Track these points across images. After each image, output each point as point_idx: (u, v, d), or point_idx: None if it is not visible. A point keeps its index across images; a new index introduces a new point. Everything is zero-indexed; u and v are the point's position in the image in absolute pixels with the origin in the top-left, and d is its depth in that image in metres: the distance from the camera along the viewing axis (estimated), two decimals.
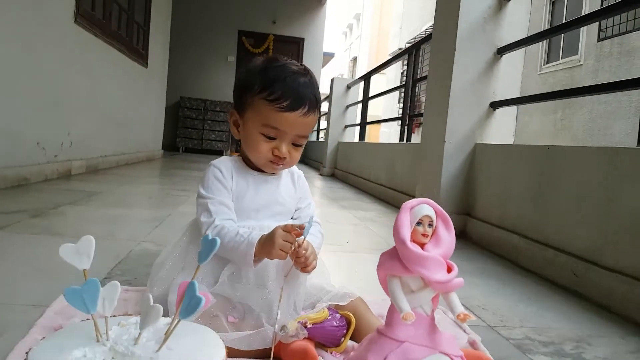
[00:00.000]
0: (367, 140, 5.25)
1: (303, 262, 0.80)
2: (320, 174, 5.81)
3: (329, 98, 6.09)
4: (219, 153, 8.79)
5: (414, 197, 2.56)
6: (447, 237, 0.57)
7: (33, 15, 2.68)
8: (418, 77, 3.63)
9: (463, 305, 1.15)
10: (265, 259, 0.83)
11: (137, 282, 1.16)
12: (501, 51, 2.18)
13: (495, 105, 2.20)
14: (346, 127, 5.79)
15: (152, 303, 0.53)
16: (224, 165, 0.93)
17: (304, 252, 0.79)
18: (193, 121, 8.70)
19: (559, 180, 1.61)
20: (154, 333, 0.56)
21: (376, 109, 9.63)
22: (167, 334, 0.53)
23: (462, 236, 2.18)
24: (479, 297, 1.29)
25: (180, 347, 0.54)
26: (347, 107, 5.80)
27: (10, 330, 0.82)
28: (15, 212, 1.86)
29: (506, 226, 1.88)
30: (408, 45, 11.54)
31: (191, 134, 8.70)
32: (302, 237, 0.79)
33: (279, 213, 0.94)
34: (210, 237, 0.55)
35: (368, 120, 5.12)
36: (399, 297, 0.53)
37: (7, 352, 0.73)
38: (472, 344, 0.91)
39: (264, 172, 0.95)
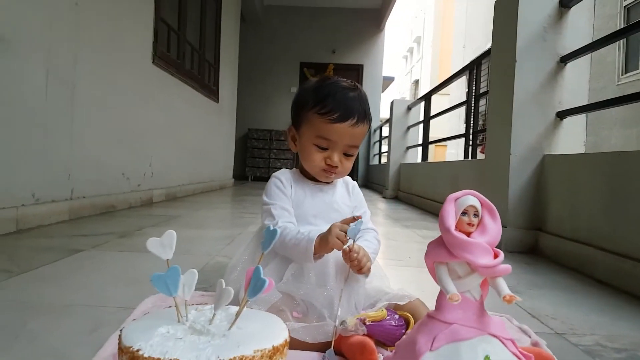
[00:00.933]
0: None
1: (357, 265, 0.87)
2: (383, 197, 5.80)
3: (389, 121, 6.12)
4: None
5: None
6: (493, 226, 0.59)
7: (117, 59, 2.99)
8: (480, 92, 3.58)
9: (530, 314, 1.15)
10: (325, 258, 0.89)
11: (212, 289, 1.26)
12: (565, 59, 2.13)
13: (561, 114, 2.14)
14: (408, 148, 5.77)
15: (224, 287, 0.60)
16: (284, 176, 1.02)
17: (355, 255, 0.86)
18: (260, 151, 9.06)
19: (634, 187, 1.54)
20: (226, 316, 0.63)
21: (442, 131, 9.49)
22: (237, 314, 0.60)
23: (534, 252, 2.11)
24: (547, 307, 1.25)
25: (248, 328, 0.60)
26: (408, 128, 5.79)
27: (104, 327, 0.93)
28: (105, 234, 2.06)
29: (579, 239, 1.81)
30: None
31: (259, 163, 9.05)
32: (351, 240, 0.84)
33: (335, 219, 1.00)
34: (272, 228, 0.62)
35: (432, 140, 5.09)
36: (445, 280, 0.56)
37: (101, 344, 0.83)
38: (535, 344, 0.90)
39: (320, 181, 1.02)
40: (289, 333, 0.63)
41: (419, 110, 5.71)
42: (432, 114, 4.92)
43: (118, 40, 2.98)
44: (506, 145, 2.20)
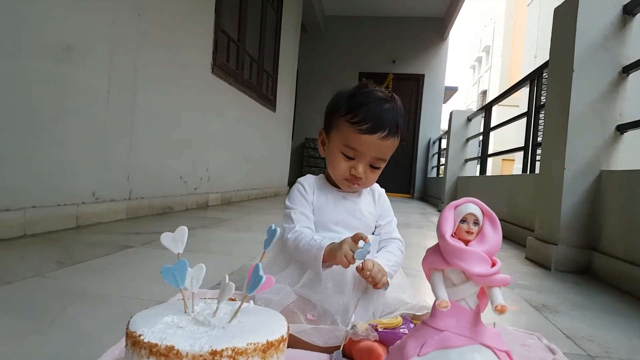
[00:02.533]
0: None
1: (372, 281, 0.87)
2: (439, 210, 5.68)
3: (447, 132, 6.00)
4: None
5: (533, 231, 2.41)
6: (493, 235, 0.58)
7: (177, 67, 3.15)
8: (541, 103, 3.44)
9: (564, 334, 1.09)
10: (342, 268, 0.89)
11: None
12: (627, 70, 2.01)
13: (622, 128, 2.01)
14: (466, 161, 5.62)
15: (227, 281, 0.63)
16: (307, 182, 1.04)
17: (368, 272, 0.86)
18: (316, 160, 9.17)
19: None
20: (231, 310, 0.66)
21: (510, 144, 9.15)
22: (238, 308, 0.63)
23: (587, 272, 1.99)
24: (586, 329, 1.19)
25: (248, 321, 0.63)
26: (468, 140, 5.64)
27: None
28: (156, 233, 2.17)
29: (635, 260, 1.69)
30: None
31: (315, 172, 9.11)
32: (361, 260, 0.84)
33: (357, 228, 1.00)
34: (273, 228, 0.64)
35: (491, 153, 4.92)
36: (437, 286, 0.56)
37: None
38: None
39: (343, 190, 1.02)
40: (288, 330, 0.65)
41: (479, 122, 5.55)
42: (492, 125, 4.77)
43: (178, 50, 3.15)
44: (561, 159, 2.10)
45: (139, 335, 0.57)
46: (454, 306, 0.56)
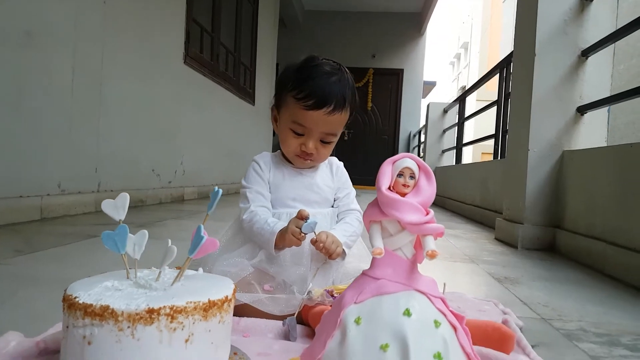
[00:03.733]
0: None
1: (325, 252, 0.88)
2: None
3: (425, 124, 6.05)
4: None
5: (502, 213, 2.45)
6: (427, 187, 0.59)
7: (146, 57, 3.10)
8: (509, 91, 3.49)
9: (521, 301, 1.12)
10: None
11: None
12: (586, 53, 2.05)
13: (582, 109, 2.06)
14: (443, 151, 5.69)
15: (169, 245, 0.63)
16: (263, 160, 1.03)
17: (321, 245, 0.87)
18: None
19: None
20: (174, 276, 0.65)
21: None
22: (181, 272, 0.63)
23: (551, 249, 2.03)
24: (543, 297, 1.22)
25: (192, 285, 0.62)
26: (444, 131, 5.71)
27: None
28: (125, 224, 2.15)
29: (594, 234, 1.73)
30: None
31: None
32: (309, 232, 0.85)
33: (315, 202, 1.01)
34: (216, 190, 0.64)
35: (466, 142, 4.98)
36: (373, 236, 0.56)
37: None
38: (504, 321, 0.88)
39: (299, 166, 1.02)
40: (235, 292, 0.65)
41: (455, 113, 5.61)
42: (466, 115, 4.83)
43: (148, 39, 3.10)
44: (525, 142, 2.14)
45: (75, 298, 0.56)
46: (391, 255, 0.57)
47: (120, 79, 2.76)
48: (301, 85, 0.93)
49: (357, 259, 1.02)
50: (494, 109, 3.74)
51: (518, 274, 1.51)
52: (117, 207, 0.67)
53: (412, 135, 9.01)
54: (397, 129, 9.16)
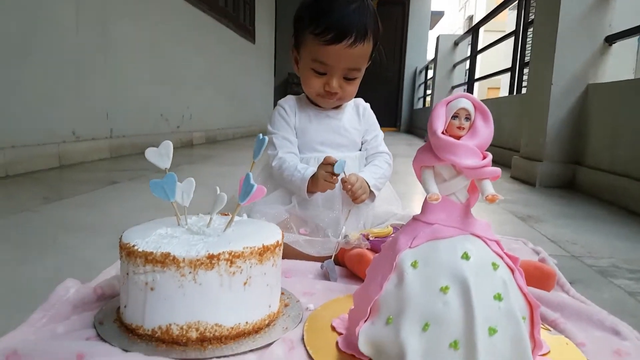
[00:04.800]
0: None
1: (351, 195, 0.88)
2: (425, 141, 5.62)
3: (434, 59, 5.89)
4: None
5: (518, 152, 2.43)
6: (485, 129, 0.57)
7: None
8: (529, 21, 3.35)
9: (549, 239, 1.13)
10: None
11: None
12: None
13: (611, 38, 1.98)
14: (453, 88, 5.57)
15: (218, 193, 0.63)
16: (287, 104, 1.00)
17: (349, 186, 0.87)
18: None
19: None
20: (225, 222, 0.66)
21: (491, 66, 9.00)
22: (232, 218, 0.63)
23: (571, 186, 2.03)
24: (570, 234, 1.23)
25: (243, 230, 0.63)
26: (454, 65, 5.56)
27: None
28: (142, 169, 2.15)
29: (617, 171, 1.72)
30: None
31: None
32: (341, 171, 0.84)
33: (342, 145, 0.99)
34: (261, 137, 0.63)
35: (478, 77, 4.86)
36: (427, 182, 0.55)
37: None
38: (541, 260, 0.89)
39: (325, 108, 0.99)
40: (283, 236, 0.65)
41: (466, 47, 5.43)
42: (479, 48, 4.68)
43: None
44: (548, 76, 2.08)
45: (133, 246, 0.57)
46: (444, 200, 0.56)
47: (121, 18, 2.65)
48: (318, 19, 0.87)
49: (385, 202, 1.03)
50: (508, 38, 3.61)
51: (540, 212, 1.52)
52: (161, 155, 0.66)
53: (418, 71, 8.77)
54: (402, 65, 8.85)
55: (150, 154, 0.66)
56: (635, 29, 1.86)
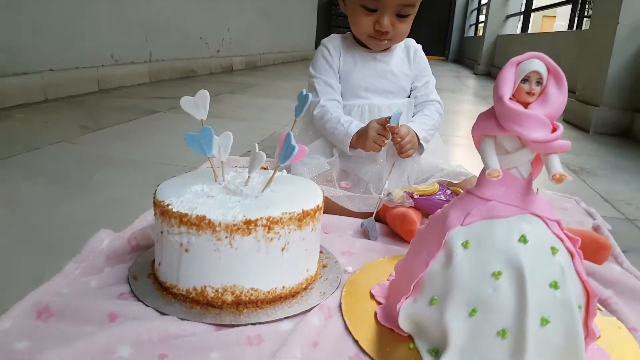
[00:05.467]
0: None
1: (398, 148, 0.83)
2: (475, 73, 5.37)
3: None
4: None
5: (574, 92, 2.26)
6: (558, 96, 0.50)
7: None
8: None
9: (603, 198, 1.06)
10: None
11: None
12: None
13: None
14: (508, 17, 5.17)
15: (257, 151, 0.59)
16: (332, 44, 0.92)
17: (399, 139, 0.81)
18: (345, 20, 8.46)
19: None
20: (263, 179, 0.63)
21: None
22: (271, 178, 0.60)
23: (627, 135, 1.90)
24: (625, 192, 1.15)
25: (282, 191, 0.60)
26: None
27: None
28: (180, 98, 2.13)
29: None
30: None
31: (344, 33, 8.63)
32: (396, 123, 0.78)
33: (389, 91, 0.92)
34: (304, 93, 0.58)
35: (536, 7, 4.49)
36: (488, 154, 0.50)
37: None
38: (596, 228, 0.84)
39: (372, 50, 0.91)
40: (324, 198, 0.62)
41: None
42: None
43: None
44: (615, 12, 1.87)
45: (167, 205, 0.55)
46: (505, 174, 0.50)
47: None
48: None
49: (431, 154, 0.97)
50: None
51: (594, 163, 1.42)
52: (197, 106, 0.62)
53: None
54: None
55: (186, 103, 0.62)
56: None
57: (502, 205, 0.51)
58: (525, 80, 0.50)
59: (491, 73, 5.06)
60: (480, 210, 0.51)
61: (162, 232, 0.56)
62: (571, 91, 2.59)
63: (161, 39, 2.61)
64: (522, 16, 4.56)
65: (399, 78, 0.93)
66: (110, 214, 0.82)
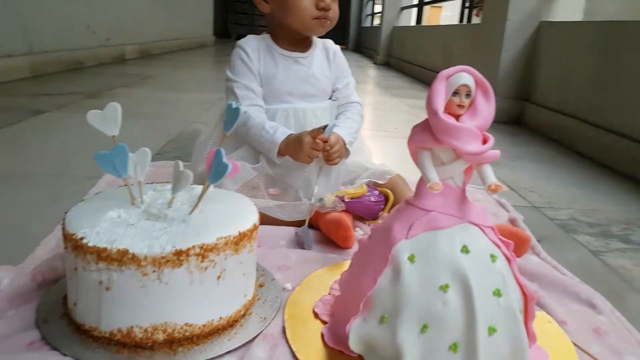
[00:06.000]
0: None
1: (327, 156, 0.81)
2: (374, 63, 5.53)
3: None
4: None
5: None
6: (486, 108, 0.52)
7: None
8: None
9: (509, 187, 1.13)
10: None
11: (188, 159, 1.19)
12: None
13: None
14: (402, 9, 5.38)
15: (181, 169, 0.53)
16: (250, 46, 0.87)
17: (328, 148, 0.80)
18: (243, 5, 8.40)
19: (626, 60, 1.45)
20: (188, 198, 0.57)
21: None
22: (199, 199, 0.54)
23: (518, 122, 2.06)
24: (527, 179, 1.24)
25: (212, 211, 0.55)
26: None
27: (66, 198, 0.87)
28: (72, 94, 1.93)
29: (565, 111, 1.75)
30: None
31: (242, 20, 8.45)
32: (329, 134, 0.78)
33: (312, 95, 0.90)
34: (234, 106, 0.53)
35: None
36: (427, 168, 0.50)
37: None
38: (512, 221, 0.89)
39: (294, 50, 0.88)
40: (260, 215, 0.58)
41: None
42: None
43: None
44: (504, 9, 2.01)
45: (81, 239, 0.48)
46: (442, 185, 0.51)
47: None
48: None
49: (355, 153, 0.96)
50: None
51: None
52: (107, 120, 0.55)
53: None
54: None
55: (93, 118, 0.54)
56: None
57: (443, 215, 0.51)
58: (455, 93, 0.51)
59: (389, 63, 5.24)
60: (422, 222, 0.51)
61: (76, 269, 0.49)
62: None
63: (43, 29, 2.34)
64: (417, 8, 4.77)
65: (321, 81, 0.91)
66: (4, 244, 0.70)
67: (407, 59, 4.42)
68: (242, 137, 0.85)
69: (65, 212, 0.53)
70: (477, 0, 3.54)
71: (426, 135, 0.51)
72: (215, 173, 0.52)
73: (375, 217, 0.85)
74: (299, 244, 0.75)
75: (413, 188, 0.90)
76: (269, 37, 0.89)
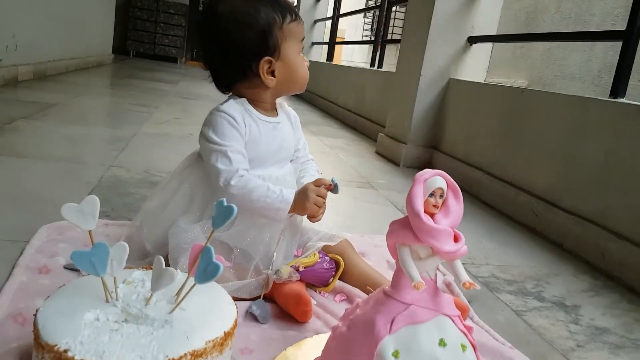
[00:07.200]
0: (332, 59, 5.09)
1: (312, 216, 0.85)
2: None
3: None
4: (173, 60, 8.36)
5: (383, 126, 2.57)
6: (456, 207, 0.58)
7: None
8: None
9: None
10: None
11: (115, 214, 1.14)
12: None
13: (472, 40, 2.17)
14: (313, 44, 5.58)
15: (164, 266, 0.52)
16: (235, 111, 0.84)
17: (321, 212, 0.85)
18: (144, 23, 8.13)
19: (528, 123, 1.66)
20: (163, 292, 0.55)
21: (340, 23, 9.23)
22: (180, 296, 0.53)
23: (429, 166, 2.23)
24: None
25: (193, 307, 0.54)
26: (315, 22, 5.56)
27: None
28: None
29: (471, 162, 1.94)
30: None
31: (142, 37, 8.16)
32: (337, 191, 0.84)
33: (284, 159, 0.92)
34: (225, 204, 0.53)
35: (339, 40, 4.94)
36: (410, 265, 0.55)
37: None
38: (448, 285, 0.97)
39: (270, 116, 0.90)
40: (235, 307, 0.58)
41: (327, 5, 5.46)
42: (342, 12, 4.73)
43: None
44: (418, 65, 2.19)
45: (65, 351, 0.45)
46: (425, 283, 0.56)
47: None
48: (286, 10, 0.85)
49: None
50: (373, 9, 3.69)
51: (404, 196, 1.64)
52: (84, 214, 0.52)
53: None
54: None
55: (68, 212, 0.52)
56: (492, 37, 2.07)
57: (421, 309, 0.55)
58: (431, 194, 0.57)
59: (301, 95, 5.35)
60: (403, 316, 0.55)
61: None
62: (378, 123, 2.94)
63: None
64: (327, 46, 4.97)
65: (290, 145, 0.94)
66: None
67: (319, 94, 4.56)
68: (238, 200, 0.78)
69: (34, 314, 0.49)
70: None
71: (407, 233, 0.56)
72: (203, 274, 0.51)
73: (326, 284, 0.88)
74: (252, 317, 0.76)
75: (357, 247, 0.96)
76: (246, 101, 0.88)
